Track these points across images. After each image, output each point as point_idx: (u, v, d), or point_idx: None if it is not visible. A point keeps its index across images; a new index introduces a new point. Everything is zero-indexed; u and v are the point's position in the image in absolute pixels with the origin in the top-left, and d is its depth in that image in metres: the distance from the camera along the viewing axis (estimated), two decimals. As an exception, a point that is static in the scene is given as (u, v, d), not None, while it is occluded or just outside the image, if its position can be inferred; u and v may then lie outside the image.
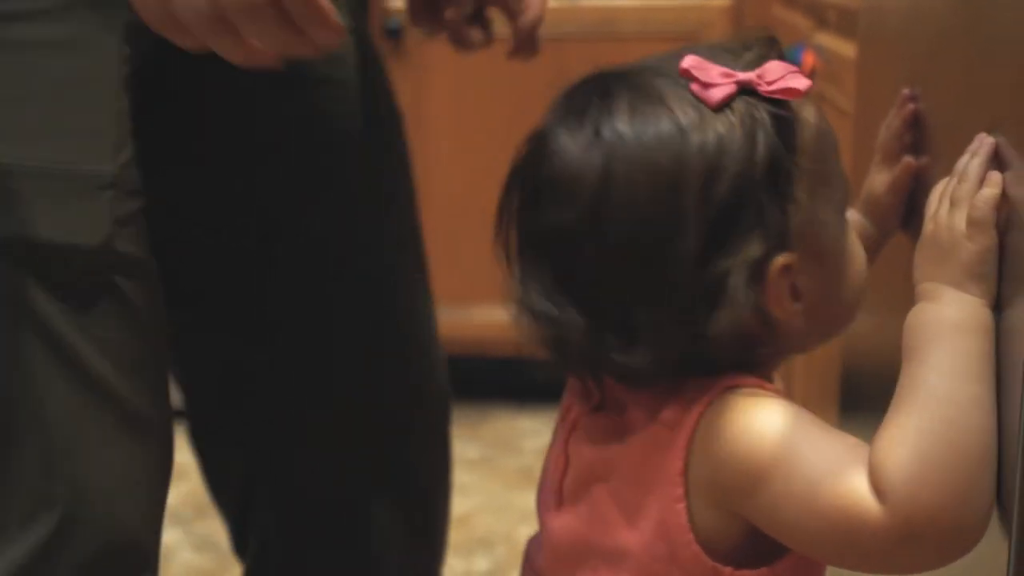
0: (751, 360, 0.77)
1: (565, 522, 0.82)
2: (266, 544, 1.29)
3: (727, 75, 0.77)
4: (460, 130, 2.50)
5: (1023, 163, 0.65)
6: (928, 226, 0.73)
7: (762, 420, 0.73)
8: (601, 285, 0.76)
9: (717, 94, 0.76)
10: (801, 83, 0.77)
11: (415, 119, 2.50)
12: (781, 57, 0.80)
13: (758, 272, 0.74)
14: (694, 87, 0.76)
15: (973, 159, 0.72)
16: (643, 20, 2.48)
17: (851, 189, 0.84)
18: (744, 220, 0.74)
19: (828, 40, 1.61)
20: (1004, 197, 0.70)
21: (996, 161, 0.71)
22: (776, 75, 0.77)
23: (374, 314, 1.24)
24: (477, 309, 2.41)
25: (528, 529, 0.93)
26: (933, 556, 0.69)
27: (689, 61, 0.77)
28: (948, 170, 0.83)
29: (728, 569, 0.75)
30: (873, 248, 0.98)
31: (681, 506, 0.75)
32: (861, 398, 1.15)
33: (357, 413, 1.23)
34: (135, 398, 0.99)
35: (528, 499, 1.00)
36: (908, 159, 0.93)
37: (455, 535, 1.47)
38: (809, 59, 1.64)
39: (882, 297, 1.04)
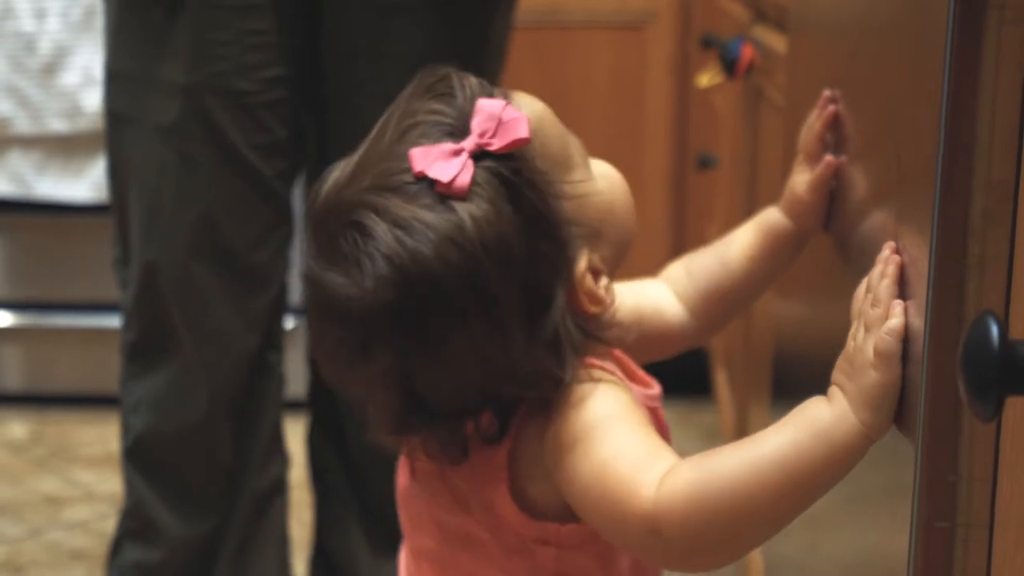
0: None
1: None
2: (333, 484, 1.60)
3: (456, 152, 0.80)
4: None
5: (921, 282, 0.68)
6: (849, 343, 0.76)
7: (581, 397, 0.82)
8: (445, 389, 0.83)
9: (461, 183, 0.79)
10: (522, 129, 0.81)
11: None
12: (482, 90, 0.84)
13: (571, 300, 0.84)
14: (439, 188, 0.79)
15: (883, 280, 0.74)
16: (589, 9, 2.50)
17: (581, 143, 0.90)
18: (541, 274, 0.82)
19: (765, 34, 1.64)
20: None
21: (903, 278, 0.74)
22: (492, 125, 0.81)
23: None
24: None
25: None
26: (673, 560, 0.79)
27: (418, 160, 0.80)
28: (869, 170, 0.87)
29: (553, 525, 0.85)
30: (796, 246, 1.01)
31: (504, 488, 0.85)
32: (792, 382, 1.18)
33: None
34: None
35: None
36: (829, 158, 0.96)
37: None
38: (747, 52, 1.66)
39: (809, 288, 1.08)
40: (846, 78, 0.95)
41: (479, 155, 0.81)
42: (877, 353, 0.73)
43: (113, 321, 2.60)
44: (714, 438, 2.33)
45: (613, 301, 0.86)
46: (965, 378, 0.56)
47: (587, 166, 0.89)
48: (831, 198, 0.97)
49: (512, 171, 0.81)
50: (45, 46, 2.40)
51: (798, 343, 1.15)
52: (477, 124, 0.81)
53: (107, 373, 2.64)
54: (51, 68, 2.41)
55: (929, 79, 0.67)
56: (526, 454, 0.85)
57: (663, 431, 0.90)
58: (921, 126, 0.69)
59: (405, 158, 0.81)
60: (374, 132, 0.85)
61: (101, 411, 2.57)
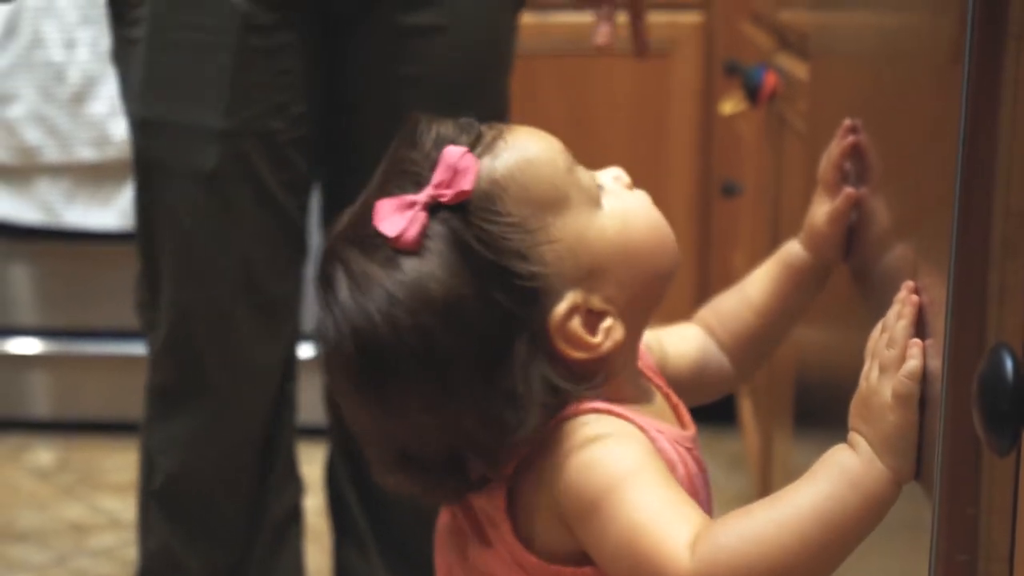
0: (587, 393, 0.83)
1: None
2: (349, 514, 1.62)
3: (410, 205, 0.80)
4: None
5: (940, 317, 0.68)
6: (861, 383, 0.75)
7: (595, 453, 0.79)
8: (421, 439, 0.82)
9: (408, 237, 0.79)
10: (467, 181, 0.80)
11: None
12: (459, 134, 0.83)
13: (540, 350, 0.81)
14: (389, 243, 0.79)
15: (900, 321, 0.74)
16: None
17: (595, 179, 0.87)
18: (497, 328, 0.79)
19: (788, 61, 1.64)
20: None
21: (921, 318, 0.74)
22: (448, 175, 0.80)
23: None
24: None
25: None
26: None
27: (378, 212, 0.80)
28: (888, 201, 0.86)
29: (569, 569, 0.82)
30: (819, 278, 1.00)
31: (509, 533, 0.83)
32: (814, 411, 1.17)
33: None
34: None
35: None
36: (848, 190, 0.95)
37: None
38: (770, 80, 1.66)
39: (830, 317, 1.07)
40: (867, 107, 0.95)
41: (434, 207, 0.80)
42: (895, 396, 0.72)
43: (140, 348, 2.61)
44: (739, 466, 2.32)
45: (613, 341, 0.83)
46: (980, 411, 0.55)
47: (592, 204, 0.85)
48: (851, 229, 0.97)
49: (463, 223, 0.79)
50: (74, 75, 2.42)
51: (820, 372, 1.14)
52: (437, 174, 0.80)
53: (134, 400, 2.64)
54: (80, 97, 2.43)
55: (948, 109, 0.67)
56: (528, 502, 0.82)
57: (700, 472, 0.88)
58: (940, 155, 0.69)
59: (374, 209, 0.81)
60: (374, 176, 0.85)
61: (127, 438, 2.58)
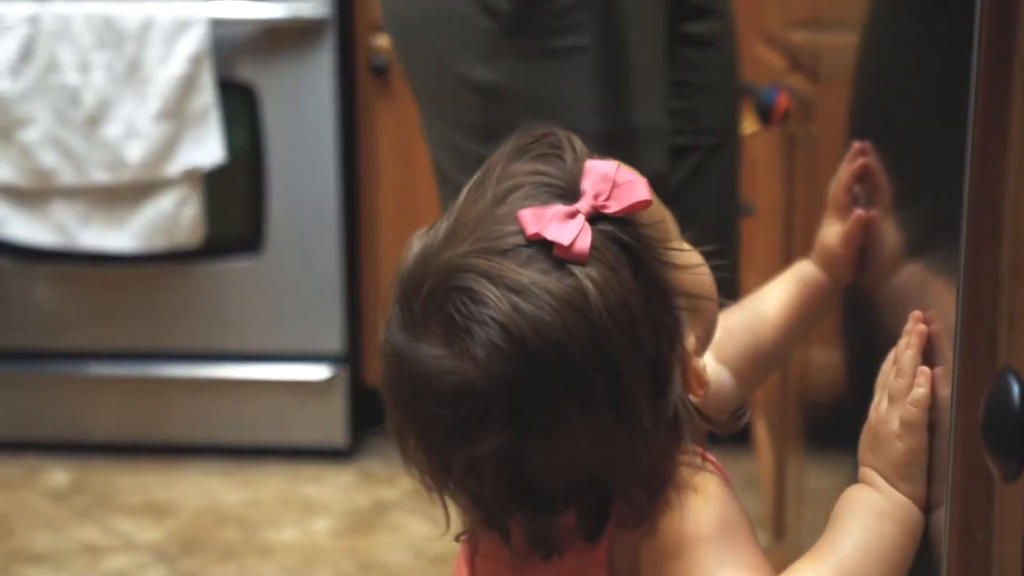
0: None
1: None
2: None
3: (571, 214, 0.75)
4: None
5: (949, 341, 0.68)
6: (871, 415, 0.76)
7: (693, 498, 0.77)
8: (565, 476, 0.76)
9: (582, 246, 0.74)
10: (641, 192, 0.77)
11: (401, 156, 2.54)
12: (577, 150, 0.80)
13: (682, 377, 0.78)
14: (557, 252, 0.74)
15: (907, 351, 0.74)
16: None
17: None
18: (663, 348, 0.76)
19: (799, 82, 1.64)
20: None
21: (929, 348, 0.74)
22: (607, 187, 0.76)
23: None
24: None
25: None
26: None
27: (530, 222, 0.75)
28: (898, 223, 0.86)
29: None
30: (830, 297, 1.00)
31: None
32: (823, 431, 1.17)
33: None
34: None
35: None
36: (859, 212, 0.96)
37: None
38: (783, 101, 1.66)
39: (839, 335, 1.07)
40: (875, 129, 0.95)
41: (594, 218, 0.75)
42: (903, 423, 0.72)
43: (153, 369, 2.62)
44: (753, 487, 2.31)
45: (709, 383, 0.81)
46: (987, 436, 0.55)
47: (679, 236, 0.84)
48: (861, 249, 0.97)
49: (631, 236, 0.76)
50: (89, 99, 2.43)
51: (827, 393, 1.14)
52: (590, 185, 0.76)
53: (148, 422, 2.66)
54: (95, 120, 2.44)
55: (956, 132, 0.67)
56: (625, 558, 0.79)
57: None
58: (949, 178, 0.69)
59: (512, 220, 0.75)
60: (464, 196, 0.80)
61: (142, 460, 2.59)
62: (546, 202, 0.76)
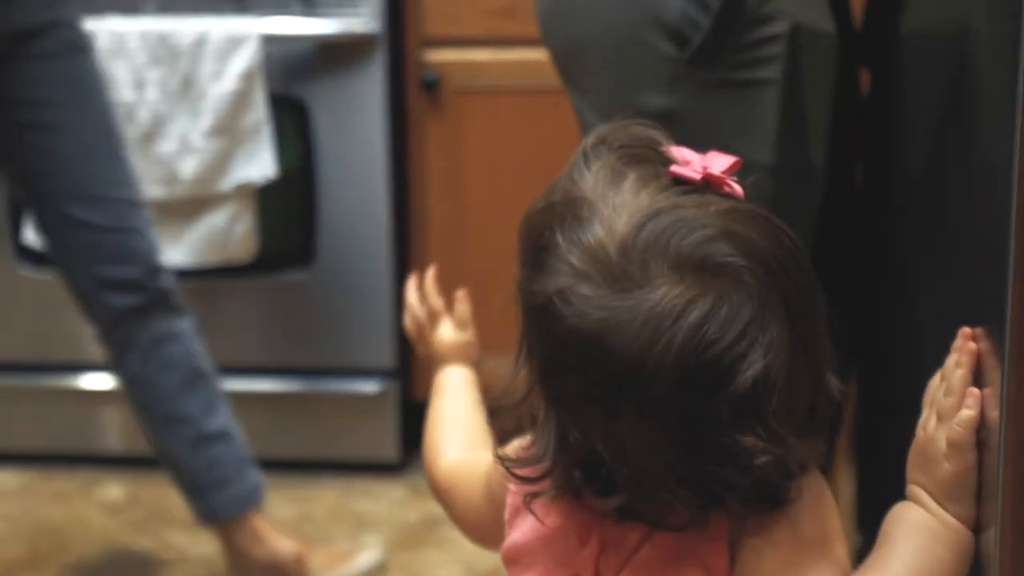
0: None
1: None
2: None
3: (704, 167, 0.80)
4: (496, 182, 2.53)
5: (997, 371, 0.67)
6: (919, 432, 0.75)
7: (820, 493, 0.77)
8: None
9: (739, 189, 0.79)
10: (723, 157, 0.81)
11: (451, 171, 2.55)
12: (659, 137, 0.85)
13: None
14: (725, 189, 0.78)
15: (957, 370, 0.74)
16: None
17: None
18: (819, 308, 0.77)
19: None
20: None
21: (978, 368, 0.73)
22: (693, 156, 0.81)
23: None
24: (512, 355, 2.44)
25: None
26: None
27: (689, 170, 0.79)
28: (945, 244, 0.85)
29: None
30: None
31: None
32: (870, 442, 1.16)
33: None
34: None
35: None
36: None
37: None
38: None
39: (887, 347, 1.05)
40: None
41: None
42: (950, 444, 0.72)
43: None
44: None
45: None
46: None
47: None
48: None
49: None
50: (143, 115, 2.46)
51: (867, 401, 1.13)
52: (685, 154, 0.82)
53: None
54: (149, 137, 2.46)
55: (1002, 154, 0.66)
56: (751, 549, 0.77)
57: None
58: (994, 204, 0.68)
59: (657, 179, 0.80)
60: (572, 178, 0.83)
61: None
62: (655, 169, 0.80)
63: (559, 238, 0.80)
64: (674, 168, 0.79)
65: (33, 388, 2.62)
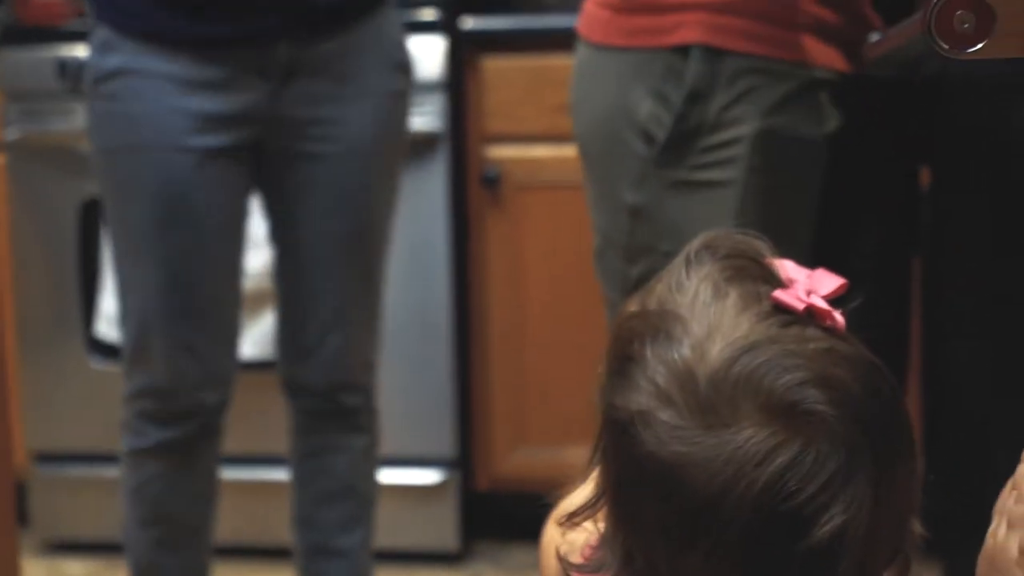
0: None
1: None
2: None
3: (808, 293, 0.77)
4: (556, 277, 2.57)
5: None
6: (988, 541, 0.74)
7: None
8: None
9: (841, 320, 0.76)
10: (832, 279, 0.79)
11: (512, 265, 2.59)
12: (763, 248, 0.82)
13: None
14: (827, 322, 0.76)
15: None
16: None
17: None
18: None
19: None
20: None
21: None
22: (802, 275, 0.79)
23: None
24: (571, 450, 2.46)
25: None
26: None
27: (792, 299, 0.76)
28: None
29: None
30: None
31: None
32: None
33: None
34: None
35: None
36: None
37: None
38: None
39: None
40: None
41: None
42: (1021, 551, 0.71)
43: (266, 474, 2.68)
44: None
45: None
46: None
47: None
48: None
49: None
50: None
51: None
52: (793, 273, 0.79)
53: (260, 524, 2.67)
54: (217, 232, 2.51)
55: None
56: None
57: None
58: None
59: (758, 302, 0.77)
60: (669, 293, 0.80)
61: (254, 561, 2.64)
62: (766, 289, 0.77)
63: (648, 352, 0.77)
64: (776, 294, 0.76)
65: (102, 478, 2.65)
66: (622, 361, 0.78)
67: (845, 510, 0.71)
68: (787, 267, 0.79)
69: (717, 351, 0.74)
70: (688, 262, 0.80)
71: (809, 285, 0.77)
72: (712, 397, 0.73)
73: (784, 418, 0.71)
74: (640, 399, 0.75)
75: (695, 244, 0.81)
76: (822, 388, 0.72)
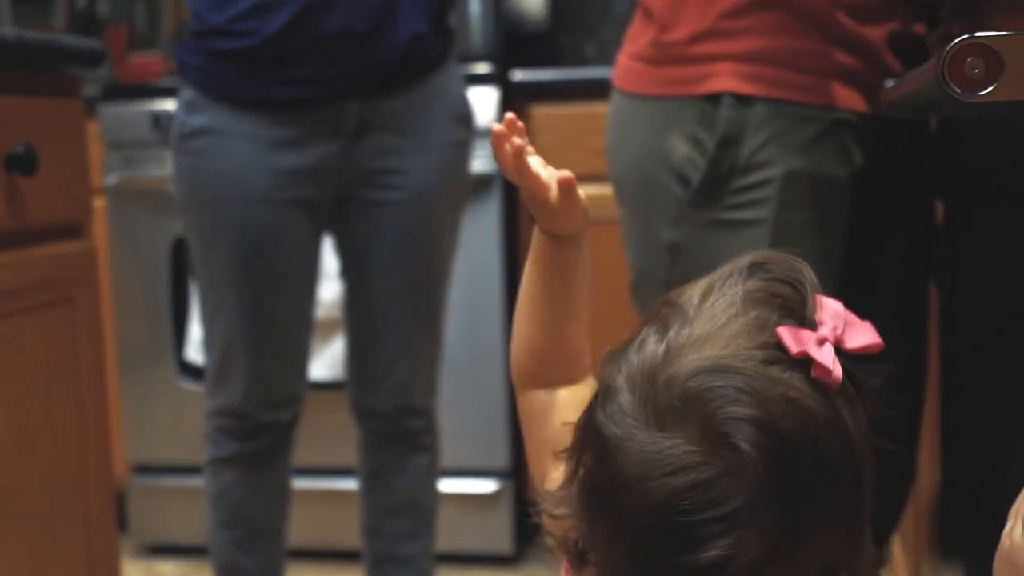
0: None
1: None
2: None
3: (820, 341, 0.75)
4: (597, 302, 2.53)
5: None
6: (1003, 541, 0.73)
7: None
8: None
9: (839, 374, 0.74)
10: (871, 334, 0.77)
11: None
12: (808, 280, 0.79)
13: None
14: (816, 373, 0.74)
15: None
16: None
17: None
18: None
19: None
20: None
21: None
22: (840, 323, 0.77)
23: None
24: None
25: None
26: None
27: (792, 340, 0.74)
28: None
29: None
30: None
31: None
32: (957, 546, 1.14)
33: None
34: None
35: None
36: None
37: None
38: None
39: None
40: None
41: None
42: None
43: (338, 484, 2.72)
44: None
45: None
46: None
47: None
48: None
49: (859, 374, 0.77)
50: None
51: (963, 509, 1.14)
52: (828, 318, 0.77)
53: (333, 530, 2.75)
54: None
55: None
56: None
57: None
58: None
59: (762, 331, 0.76)
60: (694, 301, 0.79)
61: (328, 563, 2.73)
62: (780, 321, 0.76)
63: (644, 335, 0.78)
64: (780, 330, 0.75)
65: (191, 488, 2.72)
66: (635, 334, 0.79)
67: (731, 547, 0.71)
68: (828, 307, 0.77)
69: (689, 360, 0.74)
70: (731, 273, 0.79)
71: (838, 333, 0.76)
72: (662, 401, 0.74)
73: (713, 445, 0.71)
74: (616, 375, 0.77)
75: (748, 258, 0.80)
76: (760, 432, 0.71)
